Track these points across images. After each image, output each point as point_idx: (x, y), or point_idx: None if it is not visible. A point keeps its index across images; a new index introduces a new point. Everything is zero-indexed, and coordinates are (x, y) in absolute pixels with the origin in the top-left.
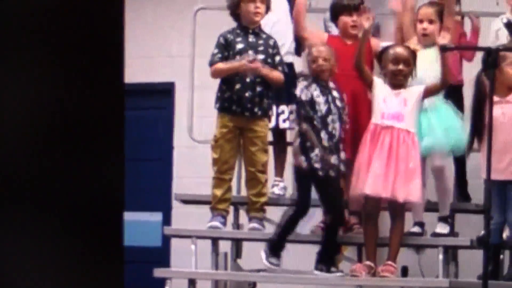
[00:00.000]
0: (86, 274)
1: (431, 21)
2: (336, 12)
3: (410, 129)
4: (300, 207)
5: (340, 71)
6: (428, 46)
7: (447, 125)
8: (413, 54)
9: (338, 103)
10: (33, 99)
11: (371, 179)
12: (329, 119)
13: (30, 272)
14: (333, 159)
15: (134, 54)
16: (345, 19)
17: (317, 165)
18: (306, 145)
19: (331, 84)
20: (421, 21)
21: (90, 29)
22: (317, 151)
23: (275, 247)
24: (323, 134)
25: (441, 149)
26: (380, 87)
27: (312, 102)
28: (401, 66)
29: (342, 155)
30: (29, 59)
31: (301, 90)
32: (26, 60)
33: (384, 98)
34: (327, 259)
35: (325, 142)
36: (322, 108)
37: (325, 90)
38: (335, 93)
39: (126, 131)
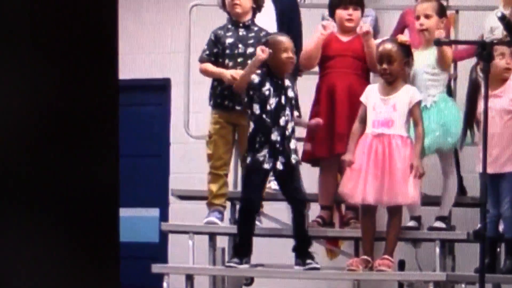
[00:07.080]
0: (82, 271)
1: (427, 16)
2: (332, 7)
3: (403, 133)
4: (243, 204)
5: (337, 68)
6: (427, 46)
7: (447, 120)
8: (403, 47)
9: (291, 102)
10: (26, 95)
11: (370, 188)
12: (281, 120)
13: (26, 269)
14: (281, 158)
15: (130, 50)
16: (341, 12)
17: (266, 166)
18: (255, 140)
19: (286, 82)
20: (418, 18)
21: (83, 25)
22: (265, 151)
23: (237, 248)
24: (274, 134)
25: (444, 148)
26: (371, 95)
27: (262, 99)
28: (384, 65)
29: (294, 156)
30: (22, 56)
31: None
32: (18, 57)
33: (373, 106)
34: (302, 253)
35: (276, 139)
36: (272, 104)
37: (278, 87)
38: (289, 93)
39: (123, 128)
